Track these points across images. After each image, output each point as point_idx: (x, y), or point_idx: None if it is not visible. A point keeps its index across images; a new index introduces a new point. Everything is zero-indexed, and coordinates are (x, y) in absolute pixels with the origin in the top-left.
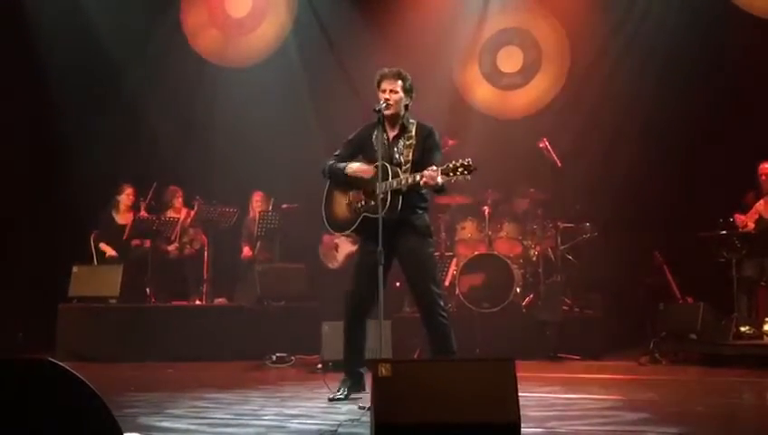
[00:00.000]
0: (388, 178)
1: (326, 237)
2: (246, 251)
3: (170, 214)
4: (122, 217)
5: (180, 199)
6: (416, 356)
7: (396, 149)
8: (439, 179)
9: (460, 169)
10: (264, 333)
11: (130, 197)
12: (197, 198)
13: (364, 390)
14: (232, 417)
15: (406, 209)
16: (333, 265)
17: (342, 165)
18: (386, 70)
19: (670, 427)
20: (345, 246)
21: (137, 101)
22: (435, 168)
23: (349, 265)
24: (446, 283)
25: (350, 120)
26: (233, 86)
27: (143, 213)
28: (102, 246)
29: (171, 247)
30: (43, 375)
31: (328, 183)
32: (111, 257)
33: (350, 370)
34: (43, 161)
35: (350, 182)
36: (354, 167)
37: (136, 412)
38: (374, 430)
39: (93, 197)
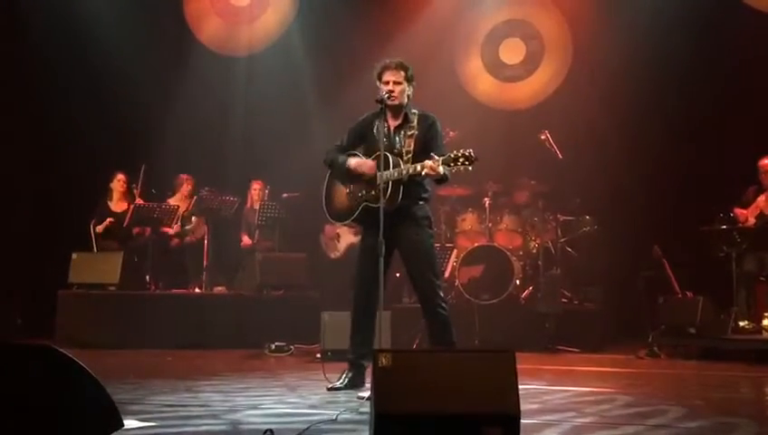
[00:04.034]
0: (389, 168)
1: (328, 227)
2: (245, 240)
3: (172, 201)
4: (117, 205)
5: (190, 188)
6: (414, 346)
7: (398, 138)
8: (441, 169)
9: (461, 160)
10: (263, 321)
11: (122, 183)
12: (206, 188)
13: (364, 383)
14: (231, 405)
15: (406, 199)
16: (334, 254)
17: (343, 158)
18: (387, 61)
19: (667, 420)
20: (346, 237)
21: (137, 89)
22: (436, 158)
23: (350, 255)
24: (446, 274)
25: (351, 109)
26: (235, 74)
27: (138, 200)
28: (98, 228)
29: (171, 234)
30: (45, 361)
31: (329, 172)
32: (110, 224)
33: (354, 361)
34: (43, 148)
35: (351, 171)
36: (356, 162)
37: (135, 399)
38: (374, 420)
39: (93, 184)
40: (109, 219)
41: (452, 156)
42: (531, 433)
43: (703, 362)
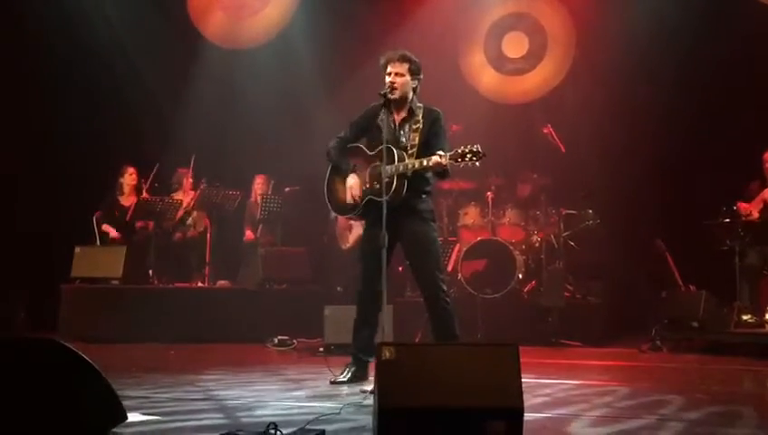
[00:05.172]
0: (393, 162)
1: (341, 218)
2: (248, 234)
3: (176, 196)
4: (126, 199)
5: (190, 181)
6: (417, 340)
7: (402, 132)
8: (446, 164)
9: (469, 156)
10: (265, 315)
11: (133, 177)
12: (202, 180)
13: (367, 377)
14: (234, 398)
15: (410, 193)
16: (345, 245)
17: (345, 167)
18: (390, 53)
19: (670, 413)
20: (358, 228)
21: (143, 84)
22: (443, 153)
23: (358, 247)
24: (449, 268)
25: (354, 102)
26: (237, 68)
27: (145, 194)
28: (105, 227)
29: (170, 225)
30: (49, 355)
31: (330, 165)
32: (115, 239)
33: (357, 355)
34: (46, 142)
35: (355, 164)
36: (350, 184)
37: (138, 394)
38: (377, 414)
39: (97, 176)
40: (114, 234)
41: (459, 151)
42: (533, 427)
43: (705, 355)
